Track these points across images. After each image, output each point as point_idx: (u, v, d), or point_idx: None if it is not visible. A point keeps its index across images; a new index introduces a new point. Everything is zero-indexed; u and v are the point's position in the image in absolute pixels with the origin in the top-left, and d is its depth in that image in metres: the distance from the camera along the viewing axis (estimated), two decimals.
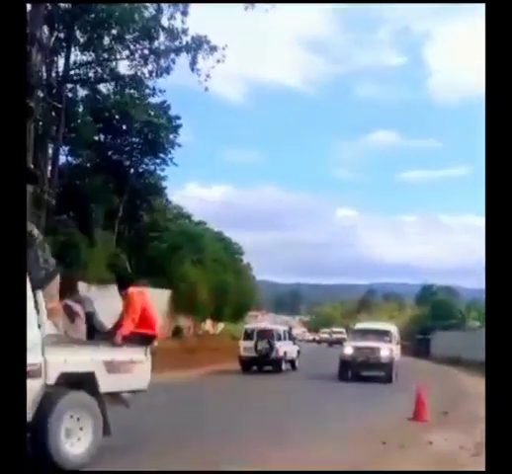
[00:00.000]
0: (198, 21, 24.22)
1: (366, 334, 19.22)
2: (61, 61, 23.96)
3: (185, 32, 23.64)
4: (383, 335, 18.88)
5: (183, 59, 24.24)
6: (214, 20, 32.19)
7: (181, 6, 23.21)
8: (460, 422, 9.78)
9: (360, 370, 17.86)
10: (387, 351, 17.44)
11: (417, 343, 42.09)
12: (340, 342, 45.24)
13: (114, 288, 26.60)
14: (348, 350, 17.74)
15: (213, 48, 23.71)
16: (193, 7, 23.35)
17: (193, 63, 23.74)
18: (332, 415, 10.08)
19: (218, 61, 23.71)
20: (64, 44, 23.84)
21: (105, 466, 5.55)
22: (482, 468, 6.16)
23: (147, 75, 25.15)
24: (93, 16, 22.92)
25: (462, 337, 33.46)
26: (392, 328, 20.42)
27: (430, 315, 45.60)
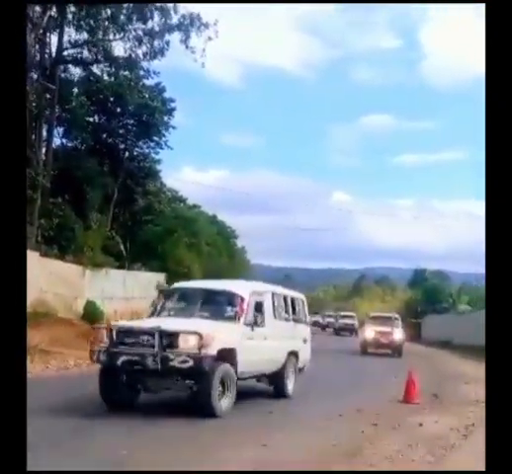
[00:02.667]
0: (191, 5, 23.98)
1: (185, 307, 8.96)
2: (54, 41, 23.69)
3: (176, 9, 23.43)
4: (217, 305, 8.72)
5: (177, 41, 24.06)
6: (208, 4, 31.69)
7: None
8: (450, 404, 10.02)
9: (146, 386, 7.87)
10: (193, 340, 7.29)
11: (408, 326, 42.65)
12: (349, 329, 40.60)
13: (108, 271, 26.63)
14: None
15: (206, 25, 23.53)
16: None
17: (186, 40, 23.58)
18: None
19: (210, 39, 23.56)
20: (57, 24, 23.52)
21: None
22: (472, 449, 6.43)
23: (141, 57, 24.95)
24: None
25: (452, 321, 33.92)
26: (246, 289, 9.00)
27: (422, 299, 46.11)
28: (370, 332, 22.84)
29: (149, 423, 6.95)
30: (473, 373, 15.98)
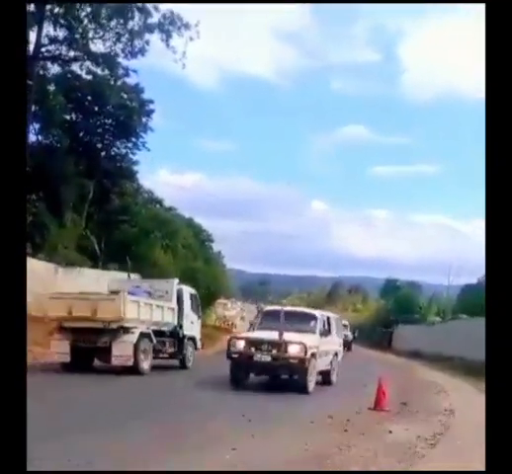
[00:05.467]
0: (171, 6, 23.90)
1: None
2: (33, 37, 23.29)
3: (156, 8, 23.28)
4: None
5: (157, 43, 23.88)
6: (189, 8, 31.72)
7: None
8: (418, 412, 10.10)
9: None
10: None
11: (380, 335, 42.99)
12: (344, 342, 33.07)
13: (81, 270, 26.43)
14: None
15: (187, 26, 23.42)
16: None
17: (167, 39, 23.43)
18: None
19: (191, 39, 23.48)
20: (36, 19, 23.13)
21: None
22: (441, 457, 6.48)
23: (121, 55, 24.73)
24: None
25: (422, 331, 34.32)
26: None
27: (393, 309, 46.56)
28: (239, 342, 11.92)
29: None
30: (443, 383, 16.18)
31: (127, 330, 12.57)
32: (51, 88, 25.69)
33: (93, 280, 23.09)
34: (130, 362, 12.48)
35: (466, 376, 17.41)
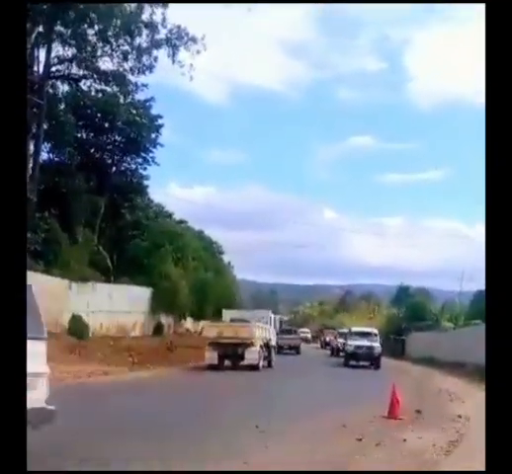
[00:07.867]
0: (179, 22, 24.25)
1: None
2: (42, 57, 23.82)
3: (164, 23, 23.61)
4: None
5: (165, 58, 24.24)
6: (196, 21, 32.15)
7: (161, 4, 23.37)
8: (433, 420, 10.11)
9: None
10: None
11: (393, 343, 42.73)
12: (367, 355, 24.86)
13: (94, 285, 26.74)
14: None
15: (193, 40, 23.75)
16: (173, 12, 23.58)
17: (174, 54, 23.77)
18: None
19: (198, 52, 23.81)
20: (45, 40, 23.65)
21: None
22: (455, 464, 6.51)
23: (129, 72, 25.14)
24: (75, 11, 22.77)
25: (435, 337, 34.14)
26: None
27: (406, 316, 46.32)
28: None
29: None
30: (457, 390, 16.10)
31: (254, 343, 19.68)
32: (62, 106, 26.17)
33: (105, 295, 23.37)
34: (256, 362, 19.73)
35: (480, 382, 17.30)
